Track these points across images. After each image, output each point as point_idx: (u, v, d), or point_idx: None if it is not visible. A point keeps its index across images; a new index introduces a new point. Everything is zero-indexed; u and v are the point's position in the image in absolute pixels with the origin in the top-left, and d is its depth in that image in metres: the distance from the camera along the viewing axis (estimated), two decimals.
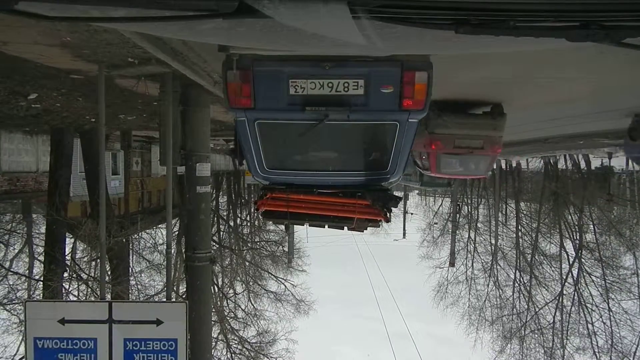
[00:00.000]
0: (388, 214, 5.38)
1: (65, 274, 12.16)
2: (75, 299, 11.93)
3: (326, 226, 5.86)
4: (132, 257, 17.74)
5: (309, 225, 6.42)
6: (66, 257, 12.56)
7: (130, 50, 5.44)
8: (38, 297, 11.68)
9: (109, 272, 12.23)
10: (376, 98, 4.06)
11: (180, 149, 6.79)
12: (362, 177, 4.96)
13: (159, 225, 20.63)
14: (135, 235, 18.42)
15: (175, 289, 16.52)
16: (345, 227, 5.82)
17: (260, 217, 5.99)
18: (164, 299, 8.64)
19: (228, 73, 3.96)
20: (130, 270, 15.42)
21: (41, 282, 11.74)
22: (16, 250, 14.67)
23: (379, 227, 6.46)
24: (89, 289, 12.52)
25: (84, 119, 11.28)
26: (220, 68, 4.16)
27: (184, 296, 10.05)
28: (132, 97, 9.14)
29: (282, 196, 5.22)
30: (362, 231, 5.99)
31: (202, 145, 7.00)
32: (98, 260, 14.15)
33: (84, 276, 12.95)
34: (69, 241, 13.31)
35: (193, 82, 6.31)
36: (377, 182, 5.03)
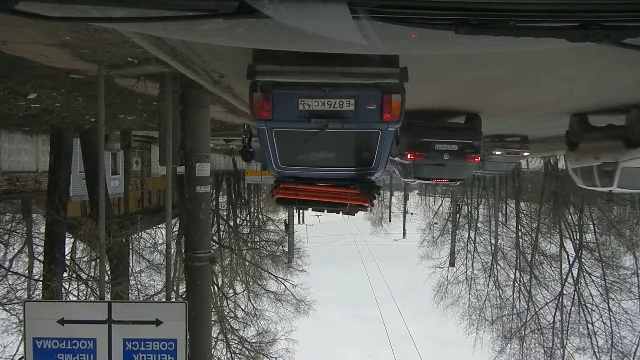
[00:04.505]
0: (373, 200, 6.63)
1: (65, 274, 12.15)
2: (75, 299, 11.92)
3: (325, 210, 7.42)
4: (132, 257, 17.73)
5: (312, 210, 7.94)
6: (66, 257, 12.53)
7: (129, 49, 5.41)
8: (37, 297, 11.66)
9: (109, 272, 12.22)
10: (364, 113, 5.17)
11: (180, 148, 6.77)
12: (353, 172, 6.11)
13: (159, 225, 20.60)
14: (135, 235, 18.40)
15: (175, 288, 16.52)
16: (341, 212, 7.13)
17: (275, 202, 7.84)
18: (164, 299, 8.61)
19: (254, 94, 5.06)
20: (130, 270, 15.40)
21: (41, 282, 11.71)
22: (16, 250, 14.65)
23: (366, 211, 7.64)
24: (89, 289, 12.51)
25: (83, 118, 11.27)
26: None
27: (183, 296, 10.03)
28: (131, 97, 9.11)
29: (291, 187, 6.43)
30: (354, 214, 7.27)
31: (201, 145, 6.97)
32: (98, 260, 14.16)
33: (84, 276, 12.93)
34: (69, 241, 13.29)
35: (193, 82, 6.28)
36: (365, 176, 6.21)
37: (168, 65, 5.44)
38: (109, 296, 10.97)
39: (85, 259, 14.00)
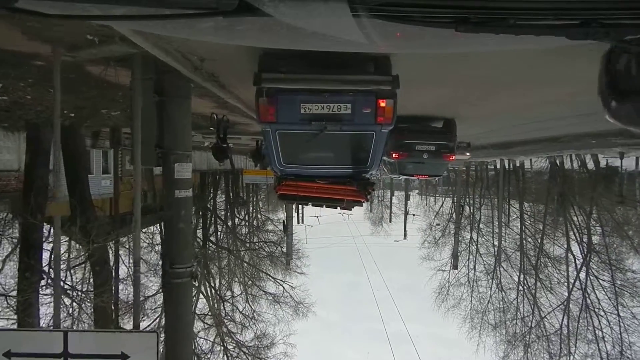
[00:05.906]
0: (368, 195, 7.41)
1: (43, 282, 11.18)
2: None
3: (324, 205, 8.14)
4: (128, 260, 16.89)
5: (312, 205, 8.93)
6: (44, 264, 11.54)
7: (87, 24, 4.48)
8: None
9: (91, 281, 11.38)
10: (359, 116, 5.64)
11: (156, 146, 5.82)
12: (350, 170, 6.68)
13: (156, 225, 19.83)
14: (127, 237, 17.57)
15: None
16: (338, 207, 7.90)
17: (278, 198, 8.65)
18: (161, 300, 7.66)
19: (260, 99, 5.46)
20: (125, 275, 14.53)
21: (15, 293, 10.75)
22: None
23: (361, 206, 8.31)
24: (70, 299, 11.59)
25: (62, 114, 10.35)
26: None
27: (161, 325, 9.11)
28: (111, 90, 8.28)
29: (293, 184, 6.99)
30: (350, 209, 8.10)
31: (181, 143, 5.98)
32: (81, 266, 13.26)
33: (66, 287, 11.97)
34: (48, 246, 12.31)
35: (170, 68, 5.34)
36: (361, 173, 6.76)
37: (135, 45, 4.49)
38: (93, 307, 10.12)
39: (64, 265, 13.03)
